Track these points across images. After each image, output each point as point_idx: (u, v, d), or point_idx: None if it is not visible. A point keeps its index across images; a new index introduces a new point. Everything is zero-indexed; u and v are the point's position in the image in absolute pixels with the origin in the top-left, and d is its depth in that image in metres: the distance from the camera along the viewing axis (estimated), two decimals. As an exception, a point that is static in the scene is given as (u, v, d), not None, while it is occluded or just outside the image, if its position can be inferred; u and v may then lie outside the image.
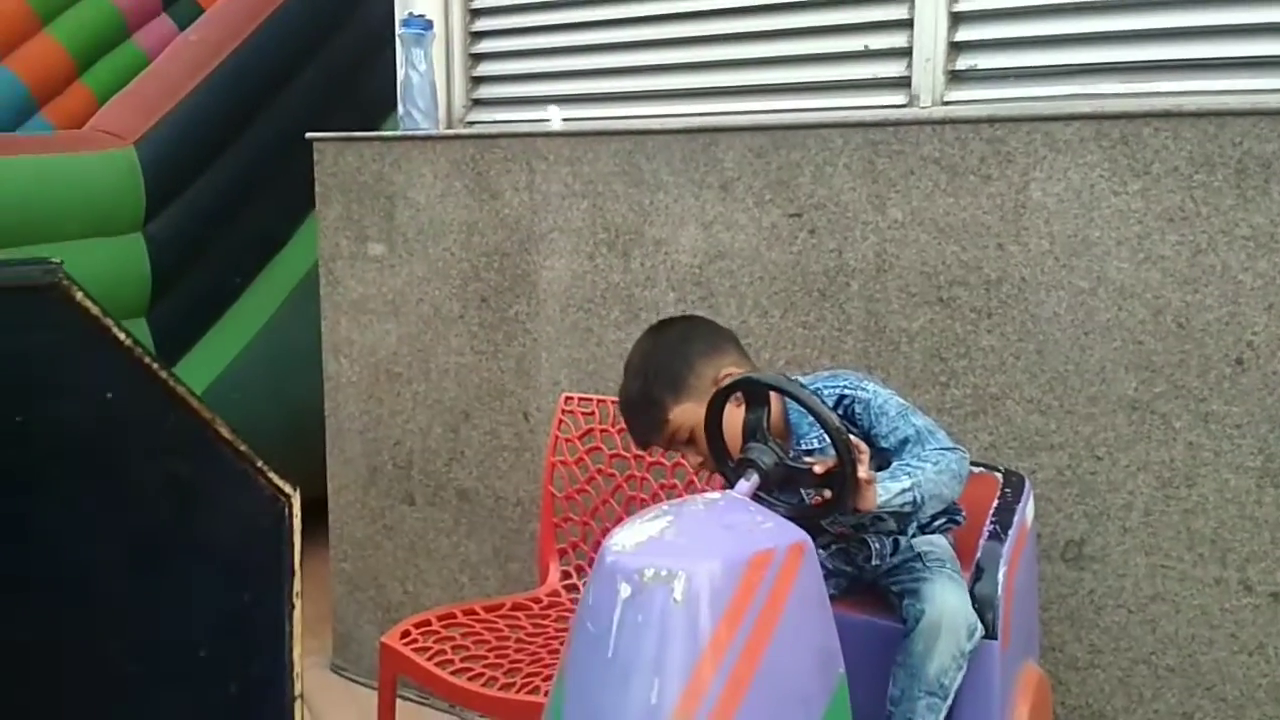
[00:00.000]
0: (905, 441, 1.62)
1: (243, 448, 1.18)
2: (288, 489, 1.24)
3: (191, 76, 3.20)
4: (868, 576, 1.75)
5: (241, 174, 3.34)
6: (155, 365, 1.07)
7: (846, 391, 1.68)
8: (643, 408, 1.72)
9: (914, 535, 1.72)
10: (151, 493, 1.08)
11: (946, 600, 1.59)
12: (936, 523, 1.74)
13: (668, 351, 1.74)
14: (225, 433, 1.15)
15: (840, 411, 1.65)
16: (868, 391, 1.67)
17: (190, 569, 1.13)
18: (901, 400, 1.67)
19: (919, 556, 1.69)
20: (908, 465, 1.58)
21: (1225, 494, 1.89)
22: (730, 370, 1.68)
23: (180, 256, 3.24)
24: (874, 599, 1.76)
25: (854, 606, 1.73)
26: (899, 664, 1.62)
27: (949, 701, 1.60)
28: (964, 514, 1.77)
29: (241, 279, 3.43)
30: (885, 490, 1.52)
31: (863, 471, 1.47)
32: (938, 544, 1.73)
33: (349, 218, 2.81)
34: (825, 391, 1.67)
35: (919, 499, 1.55)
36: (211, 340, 3.36)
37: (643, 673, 1.23)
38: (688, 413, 1.68)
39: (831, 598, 1.46)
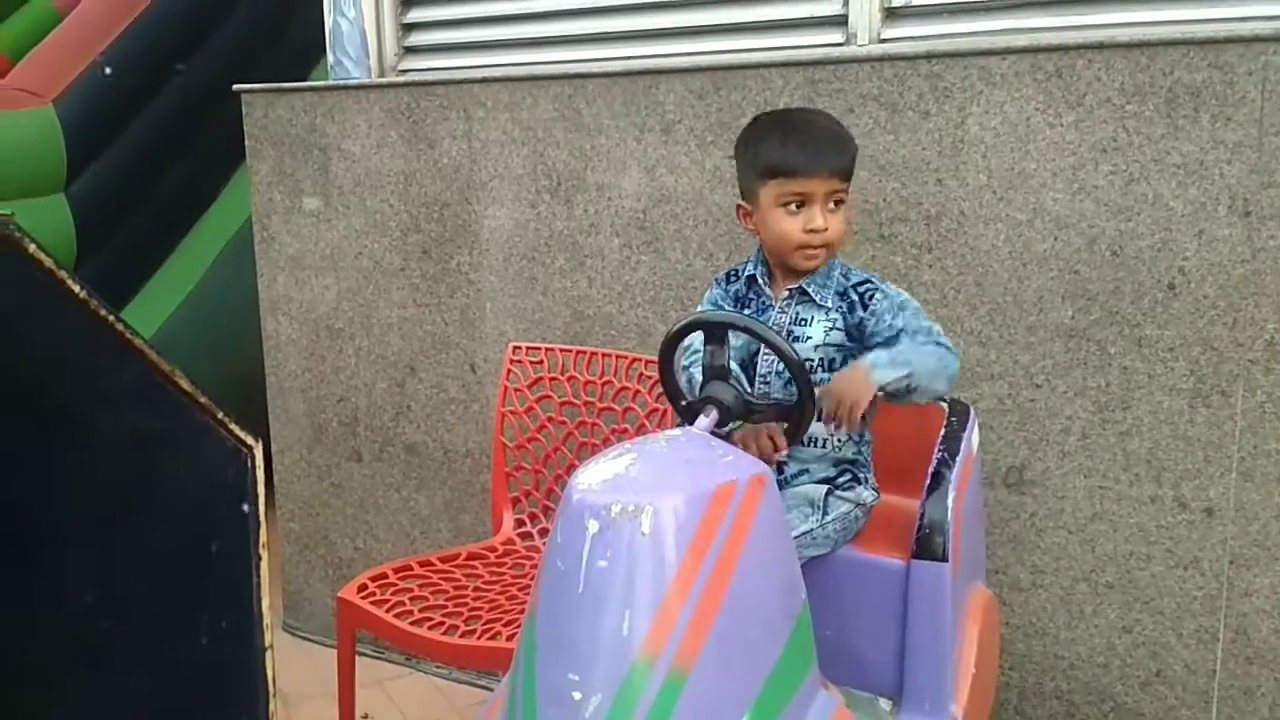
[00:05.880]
0: (904, 331, 1.66)
1: (203, 399, 1.16)
2: (250, 440, 1.23)
3: (109, 30, 3.10)
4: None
5: (166, 129, 3.25)
6: (112, 318, 1.05)
7: (871, 280, 1.72)
8: (838, 140, 1.70)
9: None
10: (114, 446, 1.06)
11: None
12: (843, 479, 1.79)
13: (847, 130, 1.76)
14: (185, 385, 1.14)
15: (858, 296, 1.69)
16: (890, 289, 1.71)
17: (156, 522, 1.12)
18: (915, 302, 1.71)
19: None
20: (906, 351, 1.61)
21: (1159, 415, 1.96)
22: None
23: (105, 217, 3.15)
24: (877, 537, 1.80)
25: (858, 545, 1.77)
26: None
27: None
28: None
29: (170, 238, 3.35)
30: (882, 375, 1.57)
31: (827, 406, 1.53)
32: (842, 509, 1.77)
33: (282, 171, 2.76)
34: (851, 273, 1.73)
35: (913, 385, 1.59)
36: (142, 303, 3.29)
37: (613, 605, 1.25)
38: (849, 190, 1.70)
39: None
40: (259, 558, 1.24)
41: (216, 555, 1.21)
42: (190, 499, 1.18)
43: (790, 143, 1.67)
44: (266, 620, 1.26)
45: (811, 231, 1.66)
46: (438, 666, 2.71)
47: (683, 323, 1.59)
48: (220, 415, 1.17)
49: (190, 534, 1.18)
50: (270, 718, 1.27)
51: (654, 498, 1.29)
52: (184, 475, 1.16)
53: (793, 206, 1.67)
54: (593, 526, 1.28)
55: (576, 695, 1.25)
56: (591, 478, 1.34)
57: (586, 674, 1.26)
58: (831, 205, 1.67)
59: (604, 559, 1.27)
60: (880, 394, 1.58)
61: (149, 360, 1.08)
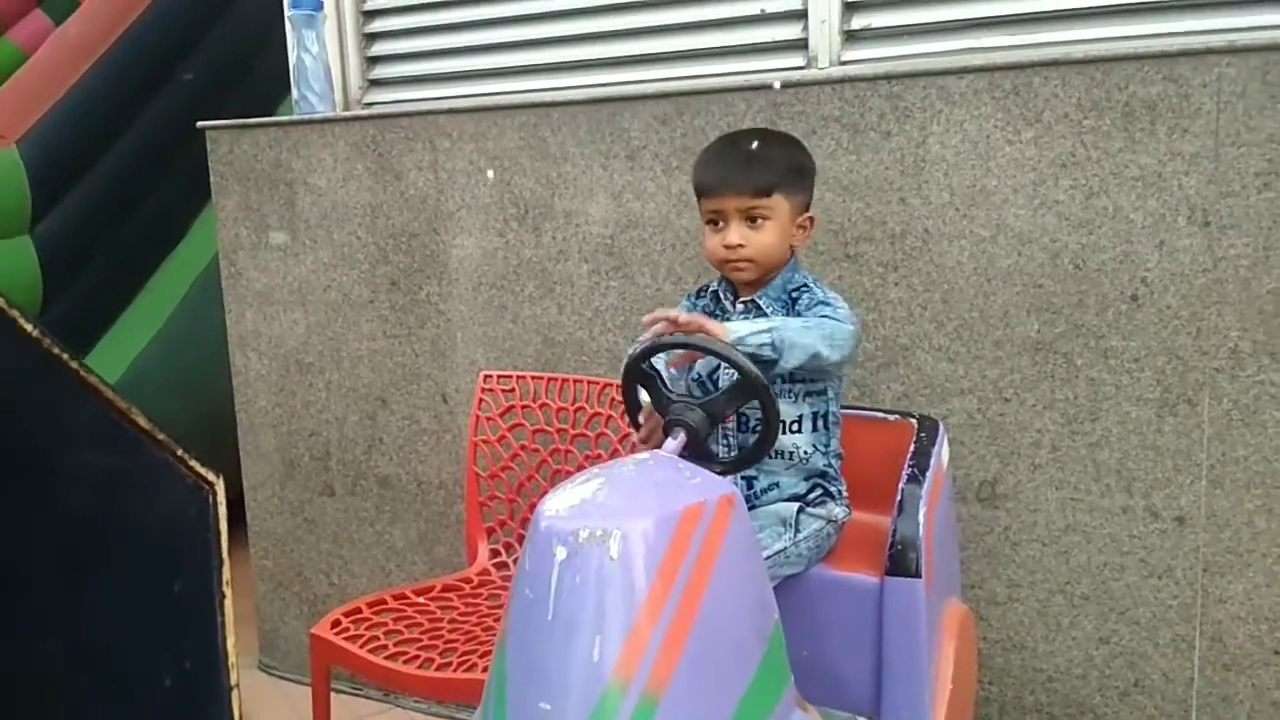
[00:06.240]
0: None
1: (161, 437, 1.15)
2: (211, 477, 1.21)
3: (72, 70, 3.09)
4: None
5: (131, 168, 3.24)
6: (65, 356, 1.04)
7: (808, 282, 1.75)
8: (754, 158, 1.69)
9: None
10: (72, 486, 1.05)
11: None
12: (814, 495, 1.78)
13: (796, 144, 1.77)
14: (143, 422, 1.12)
15: (792, 299, 1.72)
16: (821, 291, 1.73)
17: (117, 562, 1.10)
18: (843, 304, 1.71)
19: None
20: (773, 318, 1.64)
21: (1127, 425, 1.97)
22: (811, 215, 1.75)
23: (71, 257, 3.13)
24: (850, 555, 1.79)
25: (831, 563, 1.77)
26: None
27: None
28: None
29: (137, 277, 3.33)
30: (738, 328, 1.57)
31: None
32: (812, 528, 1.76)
33: (248, 207, 2.75)
34: (798, 280, 1.74)
35: (777, 342, 1.57)
36: (111, 342, 3.26)
37: (583, 631, 1.24)
38: (780, 207, 1.69)
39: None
40: (223, 595, 1.23)
41: (179, 594, 1.19)
42: (152, 536, 1.16)
43: (709, 163, 1.74)
44: (232, 659, 1.24)
45: (727, 247, 1.70)
46: (415, 701, 2.68)
47: (644, 345, 1.59)
48: (180, 452, 1.16)
49: (152, 573, 1.17)
50: (239, 758, 1.25)
51: (622, 522, 1.28)
52: (145, 513, 1.15)
53: (718, 224, 1.72)
54: (560, 553, 1.27)
55: (549, 724, 1.23)
56: (559, 503, 1.33)
57: (558, 702, 1.24)
58: (755, 221, 1.69)
59: (573, 585, 1.26)
60: (740, 345, 1.56)
61: (104, 398, 1.07)
